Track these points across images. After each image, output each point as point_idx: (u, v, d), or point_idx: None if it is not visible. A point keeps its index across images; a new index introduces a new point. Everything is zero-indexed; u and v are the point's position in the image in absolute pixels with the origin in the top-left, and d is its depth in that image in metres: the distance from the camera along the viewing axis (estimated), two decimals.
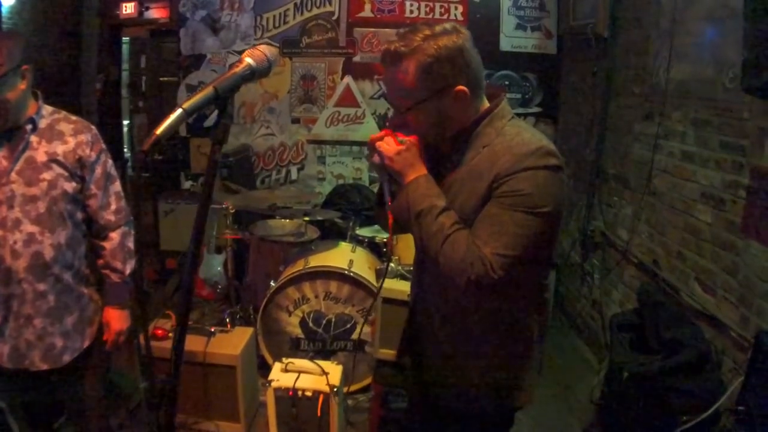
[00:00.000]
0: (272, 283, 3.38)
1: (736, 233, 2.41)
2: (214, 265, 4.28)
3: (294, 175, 4.52)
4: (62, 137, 1.88)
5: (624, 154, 3.36)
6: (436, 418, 1.80)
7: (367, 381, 3.28)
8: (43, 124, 1.87)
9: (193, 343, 2.87)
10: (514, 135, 1.41)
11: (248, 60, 1.12)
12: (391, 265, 3.08)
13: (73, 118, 1.94)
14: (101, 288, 2.11)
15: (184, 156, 4.52)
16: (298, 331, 3.33)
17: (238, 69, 1.11)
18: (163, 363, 2.77)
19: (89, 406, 2.16)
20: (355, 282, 3.20)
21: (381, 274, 3.16)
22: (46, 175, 1.83)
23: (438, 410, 1.75)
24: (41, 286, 1.85)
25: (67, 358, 1.96)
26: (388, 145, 1.44)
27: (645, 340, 2.63)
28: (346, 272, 3.18)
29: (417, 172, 1.43)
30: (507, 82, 4.22)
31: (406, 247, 3.37)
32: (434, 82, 1.38)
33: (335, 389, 2.82)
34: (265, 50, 1.15)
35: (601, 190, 3.66)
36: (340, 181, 4.48)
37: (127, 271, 2.09)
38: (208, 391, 2.89)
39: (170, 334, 2.92)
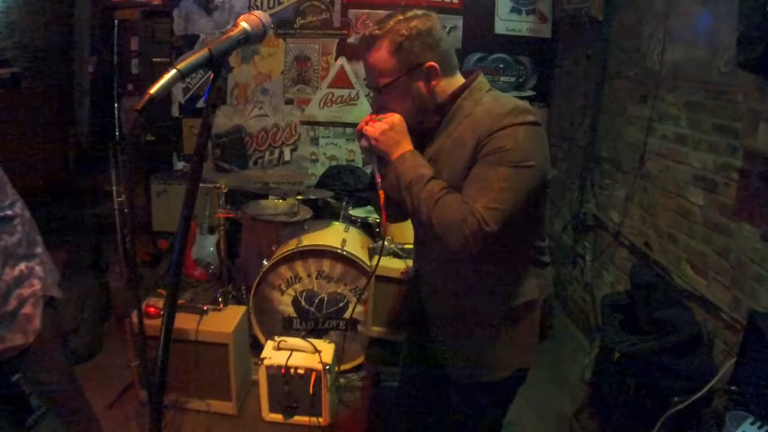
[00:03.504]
0: (265, 262, 3.38)
1: (728, 216, 2.43)
2: (207, 246, 4.28)
3: (287, 156, 4.50)
4: None
5: (617, 137, 3.37)
6: (440, 390, 1.85)
7: (359, 360, 3.30)
8: None
9: (185, 321, 2.87)
10: (493, 101, 1.50)
11: (243, 24, 1.12)
12: (385, 243, 3.09)
13: None
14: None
15: (177, 137, 4.48)
16: (290, 310, 3.33)
17: (234, 33, 1.10)
18: (155, 341, 2.81)
19: (57, 393, 2.12)
20: (348, 261, 3.20)
21: (375, 253, 3.16)
22: None
23: (444, 381, 1.79)
24: None
25: (6, 356, 1.92)
26: (372, 127, 1.51)
27: (636, 321, 2.65)
28: (339, 251, 3.19)
29: (402, 149, 1.50)
30: (501, 65, 4.22)
31: (398, 226, 3.37)
32: (407, 58, 1.48)
33: (327, 367, 2.84)
34: (261, 15, 1.15)
35: (593, 173, 3.67)
36: (333, 163, 4.47)
37: None
38: (199, 369, 2.88)
39: (162, 312, 2.92)
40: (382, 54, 1.48)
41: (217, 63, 1.07)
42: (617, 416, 2.67)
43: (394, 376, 2.94)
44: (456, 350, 1.71)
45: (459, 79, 1.57)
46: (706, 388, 2.22)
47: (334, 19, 4.23)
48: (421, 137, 1.56)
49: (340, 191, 4.01)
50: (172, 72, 0.98)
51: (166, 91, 0.98)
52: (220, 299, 3.59)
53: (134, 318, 2.89)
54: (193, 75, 4.35)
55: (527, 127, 1.42)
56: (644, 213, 3.08)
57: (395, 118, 1.51)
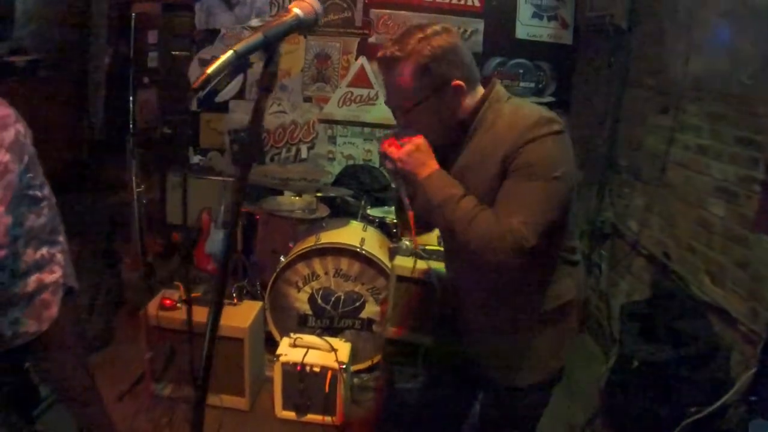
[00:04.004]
0: (282, 258, 3.40)
1: (748, 227, 2.44)
2: (220, 241, 4.30)
3: (304, 154, 4.52)
4: None
5: (637, 145, 3.38)
6: (468, 394, 1.89)
7: (373, 360, 3.31)
8: None
9: (200, 314, 2.85)
10: (513, 112, 1.49)
11: (296, 10, 1.12)
12: (406, 243, 3.10)
13: None
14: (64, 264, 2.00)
15: (194, 131, 4.50)
16: (306, 308, 3.35)
17: (286, 18, 1.11)
18: (171, 333, 2.83)
19: (70, 386, 2.10)
20: (367, 260, 3.22)
21: (396, 253, 3.16)
22: None
23: (475, 385, 1.81)
24: None
25: (18, 342, 1.90)
26: (396, 151, 1.51)
27: (655, 330, 2.66)
28: (358, 250, 3.20)
29: (429, 168, 1.49)
30: (521, 70, 4.22)
31: None
32: (432, 80, 1.46)
33: (343, 366, 2.85)
34: (313, 2, 1.14)
35: (612, 182, 3.68)
36: (350, 162, 4.49)
37: None
38: (213, 364, 2.89)
39: (178, 305, 2.93)
40: (405, 78, 1.46)
41: (270, 47, 1.08)
42: (631, 425, 2.69)
43: (408, 378, 2.96)
44: (493, 355, 1.71)
45: (480, 91, 1.57)
46: (722, 400, 2.24)
47: (356, 18, 4.23)
48: (444, 152, 1.56)
49: (357, 190, 4.03)
50: (229, 53, 1.01)
51: (222, 72, 1.01)
52: (234, 294, 3.61)
53: (149, 309, 2.91)
54: None
55: (553, 137, 1.42)
56: (663, 222, 3.09)
57: (419, 140, 1.50)
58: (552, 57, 4.20)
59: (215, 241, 4.29)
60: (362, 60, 4.33)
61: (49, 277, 1.94)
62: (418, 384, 3.07)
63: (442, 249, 3.11)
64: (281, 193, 4.30)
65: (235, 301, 3.10)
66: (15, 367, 2.21)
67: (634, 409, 2.61)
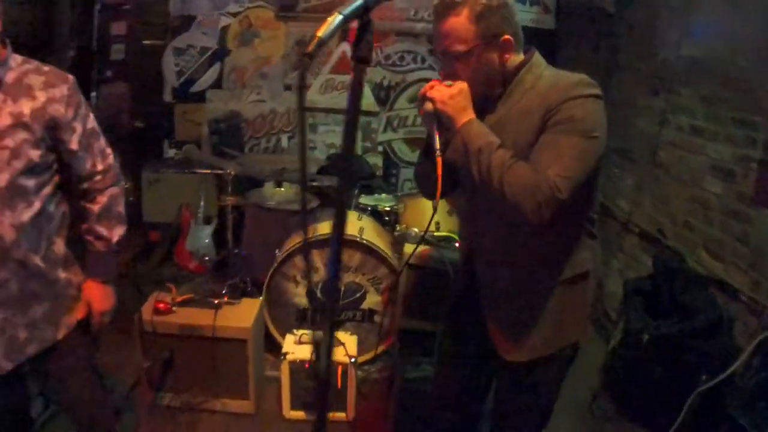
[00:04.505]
0: (277, 253, 3.32)
1: (747, 203, 2.55)
2: (202, 237, 4.16)
3: (284, 144, 4.43)
4: (31, 92, 1.55)
5: (627, 128, 3.47)
6: (485, 376, 1.92)
7: (376, 352, 3.29)
8: (10, 78, 1.54)
9: (199, 316, 2.77)
10: (555, 75, 1.56)
11: None
12: (414, 230, 3.09)
13: (46, 68, 1.61)
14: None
15: (169, 123, 4.32)
16: (304, 302, 3.28)
17: None
18: (166, 339, 2.72)
19: (81, 403, 1.93)
20: (367, 249, 3.17)
21: (405, 240, 3.13)
22: (9, 141, 1.52)
23: (493, 364, 1.82)
24: (1, 274, 1.58)
25: (31, 350, 1.69)
26: (440, 91, 1.53)
27: (658, 305, 2.76)
28: (358, 239, 3.15)
29: (469, 115, 1.53)
30: None
31: (414, 214, 3.38)
32: (486, 29, 1.51)
33: (353, 360, 2.82)
34: None
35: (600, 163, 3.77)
36: (332, 151, 4.43)
37: (115, 239, 1.83)
38: (215, 367, 2.79)
39: (174, 308, 2.82)
40: (461, 20, 1.50)
41: (367, 12, 1.04)
42: (641, 398, 2.79)
43: (414, 366, 2.96)
44: (511, 324, 1.72)
45: (521, 55, 1.61)
46: (735, 365, 2.34)
47: (338, 2, 4.14)
48: (479, 107, 1.58)
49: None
50: (337, 16, 0.99)
51: (333, 35, 0.98)
52: (225, 292, 3.50)
53: (144, 315, 2.78)
54: (187, 58, 4.22)
55: (594, 100, 1.48)
56: (656, 201, 3.19)
57: (463, 84, 1.53)
58: (534, 42, 4.22)
59: (197, 237, 4.15)
60: (344, 46, 4.27)
61: (75, 278, 1.79)
62: (429, 373, 3.10)
63: (450, 235, 3.18)
64: (261, 184, 4.21)
65: (225, 299, 2.96)
66: (16, 387, 1.94)
67: (644, 382, 2.71)
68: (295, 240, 3.26)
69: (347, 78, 4.32)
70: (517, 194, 1.42)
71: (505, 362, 1.76)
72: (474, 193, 1.68)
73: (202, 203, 4.12)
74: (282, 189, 4.10)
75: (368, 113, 4.37)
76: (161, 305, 2.79)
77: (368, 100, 4.40)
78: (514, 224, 1.56)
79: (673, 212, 3.07)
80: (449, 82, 1.55)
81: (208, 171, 3.54)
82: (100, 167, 1.78)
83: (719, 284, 2.67)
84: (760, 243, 2.47)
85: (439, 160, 1.52)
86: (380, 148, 4.55)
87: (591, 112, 1.46)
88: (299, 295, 3.28)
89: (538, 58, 1.61)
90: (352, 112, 1.03)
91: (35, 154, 1.58)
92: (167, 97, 4.31)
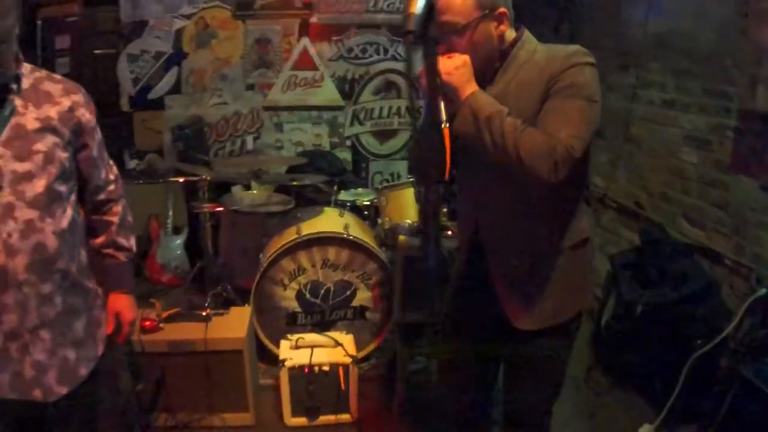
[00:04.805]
0: (261, 257, 3.24)
1: (724, 171, 2.66)
2: (173, 248, 4.04)
3: (250, 145, 4.32)
4: (51, 99, 1.51)
5: None
6: (493, 358, 1.93)
7: (369, 349, 3.27)
8: (25, 84, 1.49)
9: (190, 331, 2.66)
10: (549, 48, 1.61)
11: None
12: (407, 221, 3.06)
13: (57, 77, 1.58)
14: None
15: (128, 132, 4.14)
16: (294, 305, 3.22)
17: None
18: (156, 358, 2.61)
19: (103, 418, 1.83)
20: (354, 246, 3.14)
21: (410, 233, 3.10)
22: (41, 146, 1.45)
23: (501, 342, 1.83)
24: (46, 288, 1.47)
25: (83, 371, 1.59)
26: (444, 63, 1.55)
27: (646, 276, 2.84)
28: (345, 236, 3.11)
29: (473, 87, 1.56)
30: None
31: (396, 207, 3.36)
32: (484, 1, 1.55)
33: (353, 359, 2.79)
34: None
35: None
36: (300, 149, 4.35)
37: (134, 248, 1.84)
38: (211, 381, 2.68)
39: (161, 325, 2.71)
40: None
41: None
42: (635, 369, 2.87)
43: (420, 359, 2.94)
44: (523, 295, 1.74)
45: (514, 32, 1.65)
46: (732, 324, 2.42)
47: None
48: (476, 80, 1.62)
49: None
50: None
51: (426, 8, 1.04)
52: (208, 303, 3.39)
53: (136, 335, 2.65)
54: (142, 64, 4.04)
55: (591, 67, 1.55)
56: (631, 176, 3.28)
57: (466, 57, 1.56)
58: None
59: (168, 249, 4.01)
60: (305, 41, 4.19)
61: (99, 289, 1.70)
62: (432, 365, 3.09)
63: (444, 223, 3.16)
64: (228, 189, 4.10)
65: (207, 310, 2.83)
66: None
67: (639, 353, 2.79)
68: (277, 243, 3.19)
69: (310, 74, 4.24)
70: (533, 156, 1.46)
71: (514, 336, 1.77)
72: (479, 167, 1.71)
73: (170, 213, 3.98)
74: (254, 191, 4.02)
75: (334, 108, 4.31)
76: (147, 323, 2.66)
77: (333, 95, 4.34)
78: (522, 192, 1.61)
79: (649, 185, 3.16)
80: (453, 56, 1.57)
81: (181, 179, 3.39)
82: (111, 176, 1.74)
83: (702, 251, 2.78)
84: (740, 208, 2.58)
85: (446, 131, 1.49)
86: (348, 143, 4.50)
87: (591, 79, 1.53)
88: (288, 299, 3.21)
89: (528, 35, 1.66)
90: (434, 91, 1.02)
91: (65, 158, 1.51)
92: (124, 106, 4.13)
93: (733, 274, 2.62)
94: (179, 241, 4.00)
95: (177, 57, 4.07)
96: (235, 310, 2.94)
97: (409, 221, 3.09)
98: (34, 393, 1.47)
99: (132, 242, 1.82)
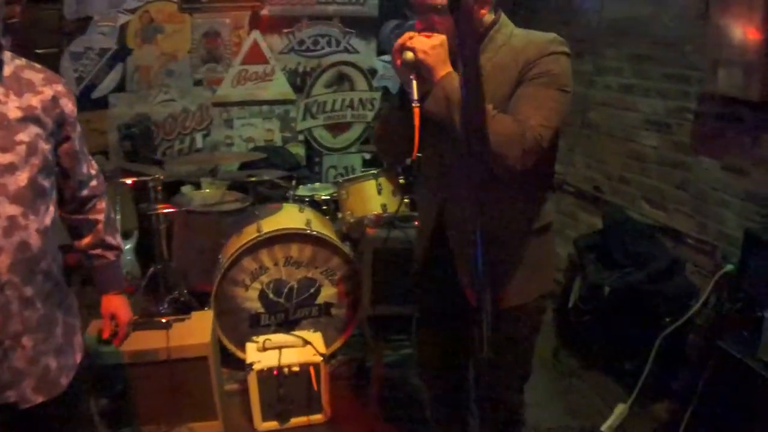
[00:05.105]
0: (221, 258, 3.10)
1: (685, 152, 2.72)
2: (123, 254, 3.80)
3: (199, 143, 4.13)
4: (33, 87, 1.42)
5: None
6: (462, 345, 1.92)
7: (336, 346, 3.19)
8: (6, 72, 1.40)
9: (150, 339, 2.50)
10: (526, 33, 1.63)
11: None
12: (373, 213, 2.99)
13: (37, 66, 1.49)
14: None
15: None
16: (257, 306, 3.10)
17: None
18: (117, 370, 2.45)
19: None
20: (317, 241, 3.05)
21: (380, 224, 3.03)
22: (24, 136, 1.35)
23: (468, 327, 1.79)
24: (28, 290, 1.37)
25: (64, 381, 1.47)
26: (421, 42, 1.53)
27: (610, 257, 2.88)
28: (308, 232, 3.02)
29: (448, 68, 1.54)
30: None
31: (358, 200, 3.29)
32: None
33: (324, 357, 2.71)
34: None
35: None
36: (251, 145, 4.21)
37: (122, 246, 1.79)
38: (177, 391, 2.53)
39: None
40: None
41: None
42: (603, 350, 2.91)
43: (394, 352, 2.88)
44: (494, 283, 1.69)
45: (493, 14, 1.65)
46: (701, 300, 2.49)
47: None
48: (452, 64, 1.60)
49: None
50: None
51: None
52: (164, 309, 3.22)
53: (86, 347, 2.46)
54: (86, 62, 3.80)
55: (566, 57, 1.57)
56: (590, 161, 3.33)
57: (443, 37, 1.54)
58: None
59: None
60: (255, 34, 4.04)
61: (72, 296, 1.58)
62: (404, 356, 3.04)
63: (411, 214, 3.11)
64: (177, 189, 3.91)
65: (165, 319, 2.68)
66: None
67: (607, 334, 2.82)
68: (237, 242, 3.06)
69: (260, 68, 4.10)
70: (502, 143, 1.46)
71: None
72: (446, 149, 1.70)
73: (118, 217, 3.75)
74: (206, 190, 3.85)
75: (285, 102, 4.19)
76: (106, 334, 2.49)
77: (284, 89, 4.22)
78: (490, 176, 1.55)
79: (608, 169, 3.21)
80: (430, 35, 1.54)
81: (129, 180, 3.19)
82: (93, 171, 1.64)
83: (665, 231, 2.84)
84: (701, 188, 2.64)
85: (416, 110, 1.51)
86: (301, 137, 4.39)
87: (565, 69, 1.55)
88: (250, 300, 3.09)
89: (505, 18, 1.66)
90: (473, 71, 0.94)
91: (47, 150, 1.41)
92: None
93: (696, 252, 2.69)
94: (129, 246, 3.78)
95: (121, 53, 3.85)
96: (196, 315, 2.79)
97: (375, 213, 3.02)
98: (8, 395, 1.37)
99: (119, 240, 1.76)
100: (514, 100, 1.54)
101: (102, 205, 1.68)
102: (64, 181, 1.55)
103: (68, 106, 1.48)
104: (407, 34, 1.56)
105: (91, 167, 1.63)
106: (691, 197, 2.71)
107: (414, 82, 1.54)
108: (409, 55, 1.53)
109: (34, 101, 1.39)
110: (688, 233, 2.71)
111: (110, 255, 1.72)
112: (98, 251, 1.70)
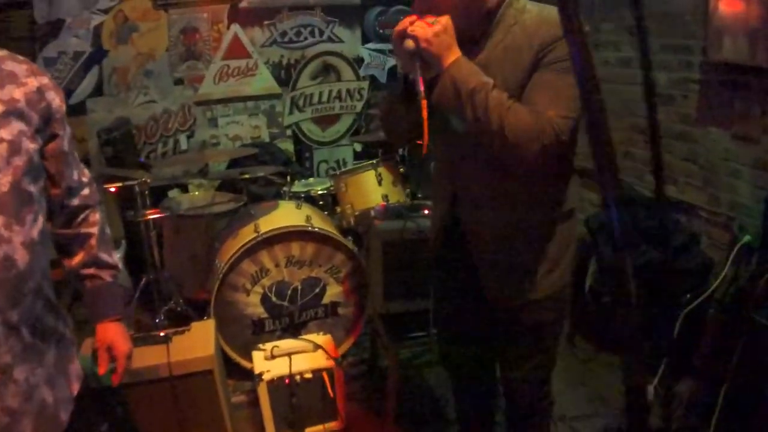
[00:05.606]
0: (218, 263, 2.96)
1: (691, 124, 2.66)
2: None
3: (183, 145, 3.98)
4: (16, 79, 1.25)
5: None
6: (488, 337, 1.83)
7: (346, 346, 3.08)
8: None
9: (151, 355, 2.32)
10: (540, 10, 1.48)
11: None
12: (378, 204, 2.88)
13: (20, 57, 1.34)
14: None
15: None
16: (260, 311, 2.95)
17: None
18: (117, 392, 2.30)
19: None
20: (320, 238, 2.92)
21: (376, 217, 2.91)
22: (5, 133, 1.18)
23: (491, 318, 1.74)
24: (14, 315, 1.18)
25: (63, 416, 1.30)
26: (422, 28, 1.40)
27: None
28: (309, 229, 2.88)
29: (455, 54, 1.42)
30: (402, 17, 4.12)
31: (357, 192, 3.18)
32: None
33: (338, 361, 2.59)
34: None
35: None
36: (238, 143, 4.06)
37: (119, 264, 1.56)
38: (182, 408, 2.38)
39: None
40: None
41: None
42: (621, 332, 2.84)
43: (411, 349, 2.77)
44: (506, 273, 1.65)
45: None
46: (722, 275, 2.41)
47: None
48: (460, 44, 1.47)
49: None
50: None
51: None
52: (160, 321, 3.07)
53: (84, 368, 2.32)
54: (60, 67, 3.62)
55: (584, 39, 1.42)
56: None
57: (447, 20, 1.41)
58: None
59: None
60: (235, 28, 3.90)
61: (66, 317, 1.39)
62: (422, 350, 2.94)
63: (419, 203, 3.01)
64: (163, 194, 3.76)
65: (162, 332, 2.53)
66: None
67: (626, 314, 2.75)
68: (234, 244, 2.92)
69: (243, 63, 3.96)
70: (519, 137, 1.36)
71: (500, 314, 1.70)
72: (457, 137, 1.57)
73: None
74: (195, 193, 3.70)
75: (271, 96, 4.05)
76: (102, 369, 2.34)
77: (269, 83, 4.08)
78: (505, 167, 1.49)
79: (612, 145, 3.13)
80: (432, 20, 1.41)
81: (113, 187, 3.02)
82: (85, 178, 1.44)
83: (676, 205, 2.77)
84: (711, 159, 2.59)
85: (424, 103, 1.39)
86: (289, 132, 4.26)
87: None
88: (252, 305, 2.95)
89: None
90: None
91: (34, 149, 1.23)
92: None
93: (710, 225, 2.63)
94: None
95: (97, 56, 3.69)
96: (196, 326, 2.62)
97: (381, 204, 2.91)
98: None
99: (115, 257, 1.54)
100: (530, 89, 1.42)
101: (95, 217, 1.48)
102: (51, 188, 1.36)
103: (55, 100, 1.31)
104: (407, 19, 1.44)
105: (82, 174, 1.45)
106: (701, 169, 2.65)
107: (419, 74, 1.41)
108: (410, 43, 1.40)
109: (17, 94, 1.22)
110: (700, 206, 2.66)
111: (105, 275, 1.50)
112: (91, 271, 1.48)
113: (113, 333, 1.53)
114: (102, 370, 1.51)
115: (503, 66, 1.45)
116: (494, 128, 1.37)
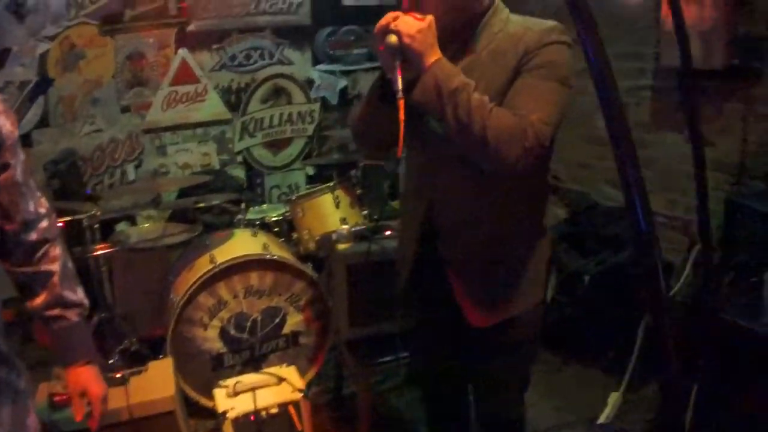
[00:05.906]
0: (172, 297, 2.83)
1: (646, 130, 2.70)
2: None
3: (131, 175, 3.83)
4: None
5: None
6: (459, 356, 1.78)
7: (309, 377, 2.96)
8: None
9: (109, 398, 2.24)
10: (524, 19, 1.51)
11: None
12: (344, 227, 2.80)
13: None
14: None
15: None
16: (218, 346, 2.82)
17: None
18: None
19: None
20: (278, 266, 2.83)
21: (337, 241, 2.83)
22: None
23: (465, 337, 1.69)
24: None
25: None
26: (407, 24, 1.36)
27: (582, 245, 2.82)
28: (267, 257, 2.79)
29: (437, 54, 1.40)
30: (352, 38, 4.10)
31: (315, 216, 3.11)
32: None
33: (304, 393, 2.49)
34: None
35: None
36: (188, 172, 3.94)
37: (85, 301, 1.46)
38: None
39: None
40: None
41: None
42: (586, 341, 2.83)
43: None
44: (484, 288, 1.62)
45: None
46: (683, 276, 2.44)
47: (170, 5, 3.67)
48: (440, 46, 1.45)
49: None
50: None
51: None
52: (115, 362, 2.91)
53: (39, 416, 2.16)
54: (6, 97, 3.45)
55: (568, 47, 1.43)
56: None
57: (431, 19, 1.39)
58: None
59: None
60: (183, 52, 3.79)
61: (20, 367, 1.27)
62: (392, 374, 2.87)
63: (381, 224, 2.94)
64: (111, 227, 3.60)
65: (119, 373, 2.40)
66: None
67: (589, 324, 2.75)
68: (190, 277, 2.79)
69: (191, 88, 3.85)
70: (501, 140, 1.34)
71: (474, 333, 1.64)
72: (435, 147, 1.55)
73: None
74: (145, 225, 3.56)
75: (220, 122, 3.96)
76: (58, 397, 2.18)
77: (218, 108, 3.98)
78: (484, 177, 1.47)
79: (565, 156, 3.16)
80: (416, 16, 1.38)
81: (65, 219, 2.86)
82: (43, 210, 1.35)
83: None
84: (666, 163, 2.62)
85: (401, 103, 1.34)
86: (240, 158, 4.16)
87: (567, 59, 1.43)
88: (210, 340, 2.81)
89: (501, 3, 1.53)
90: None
91: None
92: None
93: (668, 228, 2.66)
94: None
95: (43, 85, 3.54)
96: (153, 365, 2.48)
97: (346, 227, 2.84)
98: None
99: (80, 293, 1.44)
100: (512, 93, 1.41)
101: (56, 251, 1.38)
102: (4, 222, 1.27)
103: (6, 125, 1.21)
104: (391, 14, 1.40)
105: (39, 205, 1.36)
106: (657, 175, 2.68)
107: (399, 71, 1.36)
108: (393, 38, 1.36)
109: None
110: (657, 211, 2.68)
111: (72, 315, 1.41)
112: (56, 312, 1.39)
113: (86, 377, 1.44)
114: (78, 417, 1.45)
115: (487, 70, 1.45)
116: (476, 130, 1.35)
